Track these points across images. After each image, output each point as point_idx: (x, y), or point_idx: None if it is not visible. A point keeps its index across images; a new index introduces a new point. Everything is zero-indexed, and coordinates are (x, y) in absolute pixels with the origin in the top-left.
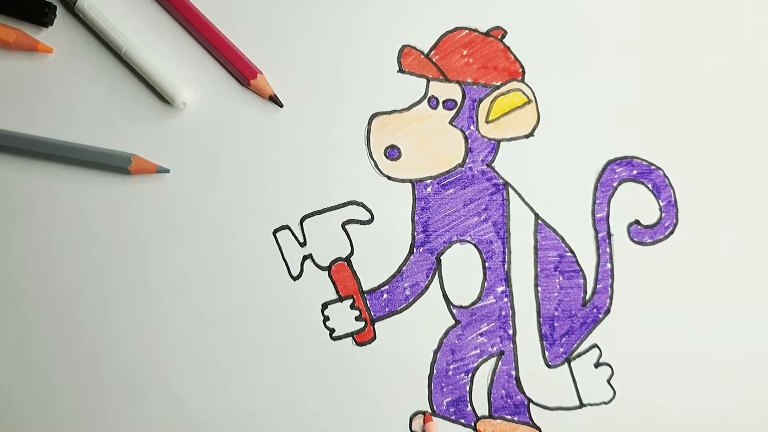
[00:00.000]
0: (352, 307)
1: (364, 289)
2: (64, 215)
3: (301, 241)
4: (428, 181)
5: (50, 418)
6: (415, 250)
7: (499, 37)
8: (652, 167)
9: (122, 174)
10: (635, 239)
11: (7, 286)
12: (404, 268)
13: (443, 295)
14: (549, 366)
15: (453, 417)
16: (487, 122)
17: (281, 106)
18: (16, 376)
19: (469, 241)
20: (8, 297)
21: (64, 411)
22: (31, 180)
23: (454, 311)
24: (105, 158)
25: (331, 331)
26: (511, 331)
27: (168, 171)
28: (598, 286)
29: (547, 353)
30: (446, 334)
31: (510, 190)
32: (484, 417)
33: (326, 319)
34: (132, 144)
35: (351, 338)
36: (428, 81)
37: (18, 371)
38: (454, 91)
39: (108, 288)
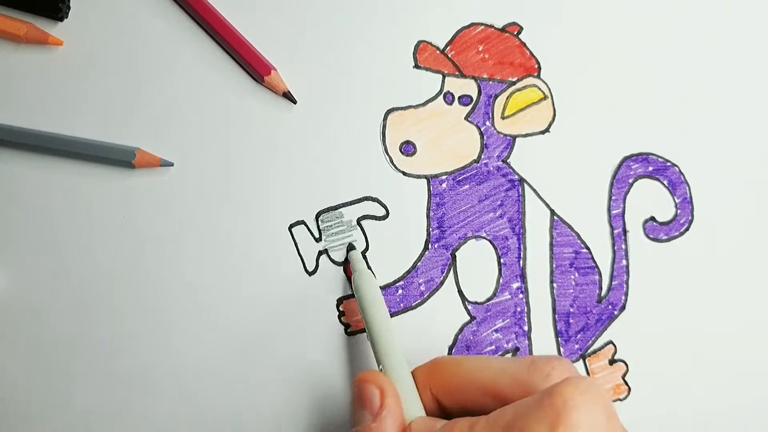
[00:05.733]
0: None
1: (379, 285)
2: (67, 209)
3: (317, 236)
4: (443, 177)
5: (67, 413)
6: (430, 246)
7: (515, 33)
8: (668, 164)
9: (126, 168)
10: (651, 236)
11: (16, 282)
12: (419, 263)
13: (458, 291)
14: None
15: None
16: (503, 118)
17: (295, 102)
18: (34, 372)
19: (484, 237)
20: (18, 293)
21: (80, 406)
22: (34, 174)
23: (469, 307)
24: (109, 152)
25: (347, 326)
26: (526, 328)
27: (172, 164)
28: (613, 283)
29: (562, 350)
30: (461, 330)
31: (525, 186)
32: None
33: (341, 314)
34: (141, 138)
35: (366, 334)
36: (444, 77)
37: (35, 367)
38: (469, 87)
39: (116, 281)
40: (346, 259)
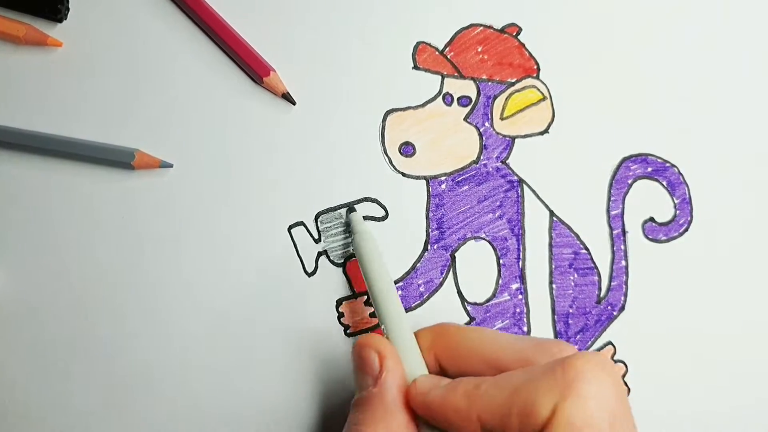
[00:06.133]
0: (366, 303)
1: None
2: (66, 211)
3: (316, 237)
4: (443, 178)
5: (66, 413)
6: (429, 247)
7: (514, 33)
8: (667, 164)
9: (126, 169)
10: (650, 236)
11: (16, 282)
12: (418, 264)
13: (457, 292)
14: None
15: None
16: (502, 119)
17: (294, 103)
18: (33, 372)
19: (483, 238)
20: (18, 293)
21: (79, 406)
22: (33, 175)
23: (469, 308)
24: (108, 153)
25: (346, 327)
26: (525, 329)
27: (171, 166)
28: (612, 284)
29: None
30: None
31: (524, 187)
32: None
33: (341, 315)
34: (140, 140)
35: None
36: (443, 78)
37: (34, 367)
38: (468, 88)
39: (115, 282)
40: (346, 260)
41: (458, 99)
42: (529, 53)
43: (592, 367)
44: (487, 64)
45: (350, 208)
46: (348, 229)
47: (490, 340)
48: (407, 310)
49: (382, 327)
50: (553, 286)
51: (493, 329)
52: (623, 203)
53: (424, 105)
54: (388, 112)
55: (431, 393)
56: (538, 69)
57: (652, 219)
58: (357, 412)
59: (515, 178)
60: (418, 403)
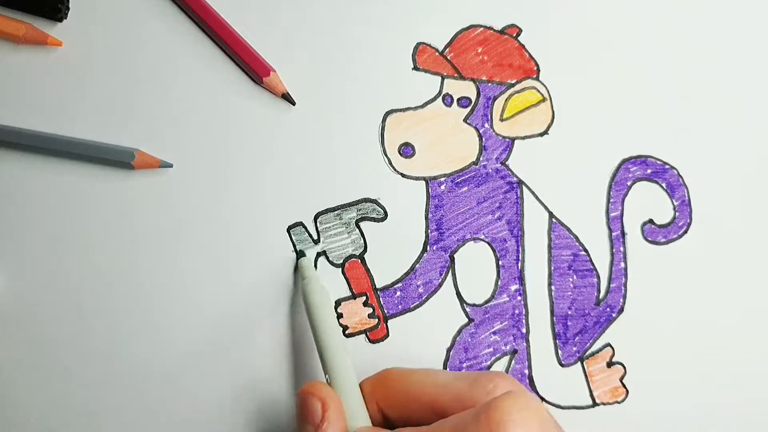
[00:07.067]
0: (365, 304)
1: (377, 287)
2: (65, 210)
3: (315, 238)
4: (442, 179)
5: (65, 413)
6: (428, 248)
7: (514, 35)
8: (667, 166)
9: (125, 169)
10: (649, 238)
11: (15, 282)
12: (417, 265)
13: (456, 293)
14: (562, 365)
15: None
16: (502, 120)
17: (294, 103)
18: (32, 371)
19: (482, 239)
20: (17, 292)
21: (78, 405)
22: (32, 175)
23: (468, 309)
24: (108, 153)
25: (344, 328)
26: (524, 330)
27: (171, 165)
28: (611, 285)
29: (560, 352)
30: (459, 332)
31: (524, 188)
32: None
33: (339, 316)
34: (140, 140)
35: (364, 335)
36: (443, 78)
37: (33, 367)
38: (468, 89)
39: (115, 282)
40: (345, 261)
41: (458, 100)
42: (529, 54)
43: (517, 409)
44: (487, 65)
45: (300, 251)
46: (348, 228)
47: (428, 384)
48: (406, 311)
49: (326, 377)
50: (552, 287)
51: (435, 370)
52: (623, 205)
53: (423, 106)
54: (387, 113)
55: None
56: (538, 70)
57: (651, 221)
58: None
59: (515, 179)
60: None
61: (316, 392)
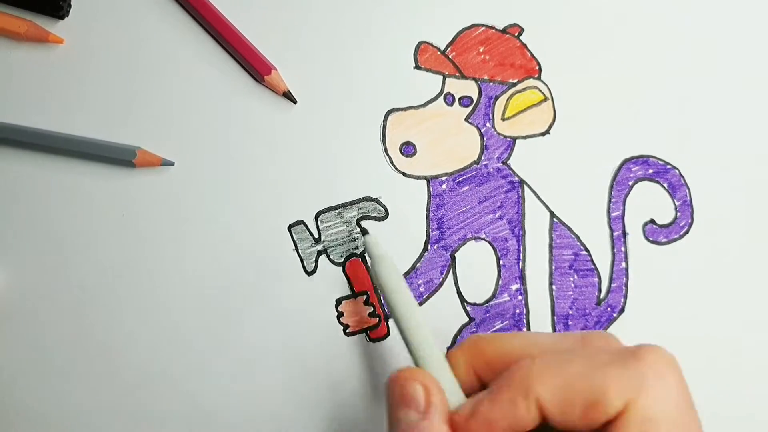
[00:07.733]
0: (366, 303)
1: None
2: (67, 208)
3: (316, 236)
4: (443, 178)
5: (66, 412)
6: (429, 247)
7: (516, 34)
8: (668, 166)
9: (127, 167)
10: (650, 238)
11: (16, 281)
12: (418, 264)
13: (457, 293)
14: None
15: None
16: (503, 120)
17: (295, 102)
18: (33, 371)
19: (483, 239)
20: (18, 292)
21: (79, 405)
22: (34, 173)
23: (468, 308)
24: (109, 151)
25: (345, 326)
26: (525, 329)
27: (173, 164)
28: (612, 285)
29: None
30: (460, 331)
31: (525, 187)
32: None
33: (340, 315)
34: (141, 138)
35: (365, 334)
36: (444, 78)
37: (34, 366)
38: (470, 88)
39: (116, 281)
40: (345, 259)
41: (459, 99)
42: (531, 54)
43: (665, 362)
44: (489, 65)
45: (363, 229)
46: (349, 227)
47: (529, 345)
48: None
49: (413, 357)
50: (553, 287)
51: (530, 332)
52: (624, 205)
53: (425, 105)
54: (389, 112)
55: (475, 406)
56: (540, 70)
57: (652, 221)
58: None
59: (516, 178)
60: (469, 426)
61: (418, 377)
